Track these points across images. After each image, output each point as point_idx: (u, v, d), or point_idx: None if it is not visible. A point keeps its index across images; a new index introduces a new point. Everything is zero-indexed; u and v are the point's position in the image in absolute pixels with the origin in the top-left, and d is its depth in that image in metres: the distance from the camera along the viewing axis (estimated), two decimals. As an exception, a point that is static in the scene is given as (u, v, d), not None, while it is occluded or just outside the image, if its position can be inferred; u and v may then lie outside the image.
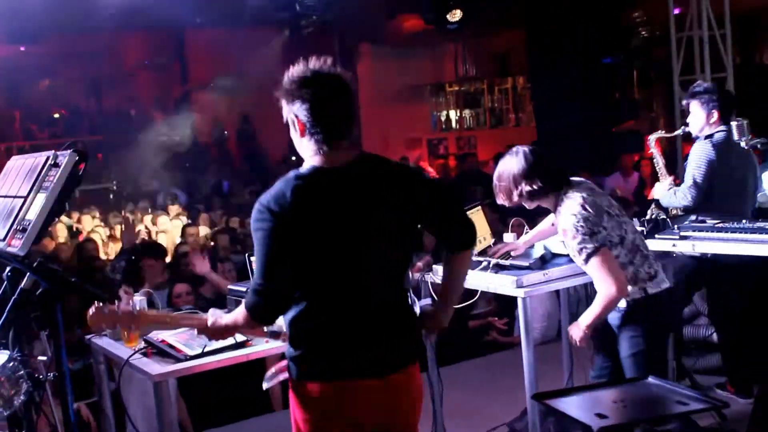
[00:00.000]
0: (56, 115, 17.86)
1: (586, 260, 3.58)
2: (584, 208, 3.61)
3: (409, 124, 17.24)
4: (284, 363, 2.88)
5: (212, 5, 11.83)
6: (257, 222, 2.65)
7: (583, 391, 3.06)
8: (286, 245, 2.63)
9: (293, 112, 2.68)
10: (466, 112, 18.18)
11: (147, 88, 18.38)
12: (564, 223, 3.66)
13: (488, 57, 17.53)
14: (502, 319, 7.17)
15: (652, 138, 5.00)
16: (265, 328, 3.23)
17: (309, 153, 2.71)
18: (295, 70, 2.67)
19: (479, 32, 15.34)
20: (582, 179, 3.90)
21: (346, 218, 2.66)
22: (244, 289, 4.04)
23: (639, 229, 4.27)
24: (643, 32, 13.60)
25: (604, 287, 3.56)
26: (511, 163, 3.79)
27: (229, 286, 4.33)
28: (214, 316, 2.92)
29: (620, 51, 12.54)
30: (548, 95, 12.05)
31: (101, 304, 2.84)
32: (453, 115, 18.33)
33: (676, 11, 10.26)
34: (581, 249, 3.59)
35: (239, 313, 2.79)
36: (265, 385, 3.04)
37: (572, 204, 3.65)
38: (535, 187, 3.74)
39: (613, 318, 3.76)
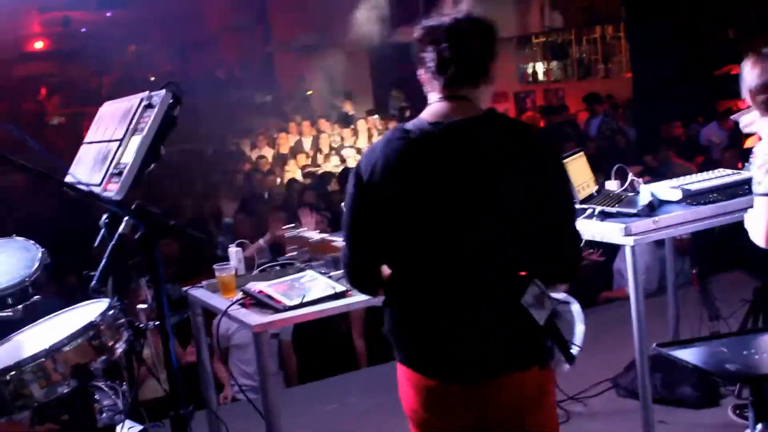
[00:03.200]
0: (152, 78, 18.07)
1: (757, 195, 3.15)
2: None
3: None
4: None
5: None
6: (348, 184, 2.44)
7: (707, 341, 2.85)
8: (371, 214, 2.39)
9: (424, 55, 2.44)
10: (554, 64, 17.76)
11: (232, 50, 18.44)
12: (761, 149, 3.20)
13: (574, 6, 17.04)
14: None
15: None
16: None
17: (432, 100, 2.46)
18: (432, 15, 2.47)
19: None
20: None
21: (446, 186, 2.32)
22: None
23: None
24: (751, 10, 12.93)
25: (755, 233, 3.18)
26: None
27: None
28: None
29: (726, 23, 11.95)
30: (644, 42, 11.62)
31: None
32: (540, 67, 17.93)
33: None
34: (759, 183, 3.14)
35: None
36: None
37: None
38: None
39: None
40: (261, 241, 6.07)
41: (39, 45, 16.91)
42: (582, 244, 2.47)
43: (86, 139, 2.84)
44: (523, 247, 2.33)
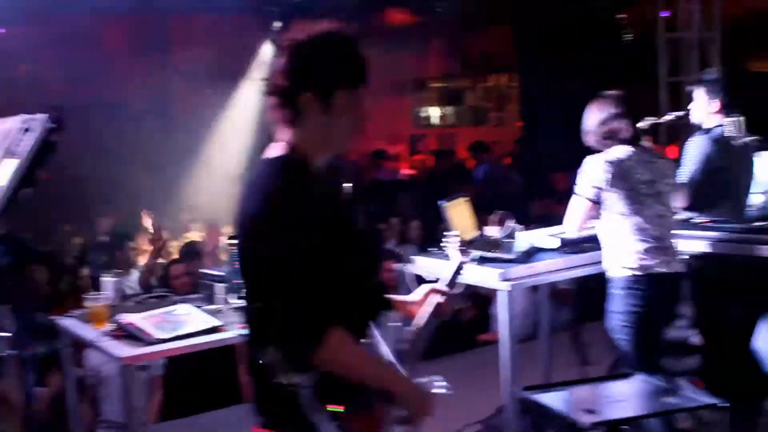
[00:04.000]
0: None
1: (575, 195, 4.08)
2: (609, 164, 3.95)
3: (390, 119, 17.13)
4: None
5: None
6: None
7: (568, 386, 2.94)
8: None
9: None
10: (448, 109, 18.10)
11: (128, 76, 18.06)
12: (586, 161, 4.03)
13: (471, 55, 17.45)
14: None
15: (644, 124, 4.81)
16: None
17: None
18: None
19: (464, 29, 15.26)
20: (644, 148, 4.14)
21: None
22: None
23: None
24: (630, 33, 13.53)
25: (570, 224, 4.15)
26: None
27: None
28: None
29: (607, 50, 12.49)
30: (535, 93, 11.99)
31: None
32: (435, 111, 18.24)
33: (665, 14, 10.26)
34: (578, 185, 4.04)
35: None
36: None
37: (608, 155, 4.00)
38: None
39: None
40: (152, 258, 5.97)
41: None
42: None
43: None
44: (261, 307, 2.16)
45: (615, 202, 3.97)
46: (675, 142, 8.45)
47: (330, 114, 2.21)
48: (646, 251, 3.94)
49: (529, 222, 5.10)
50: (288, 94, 2.19)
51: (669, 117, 5.10)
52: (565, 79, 11.30)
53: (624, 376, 2.94)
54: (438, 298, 2.61)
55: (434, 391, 2.41)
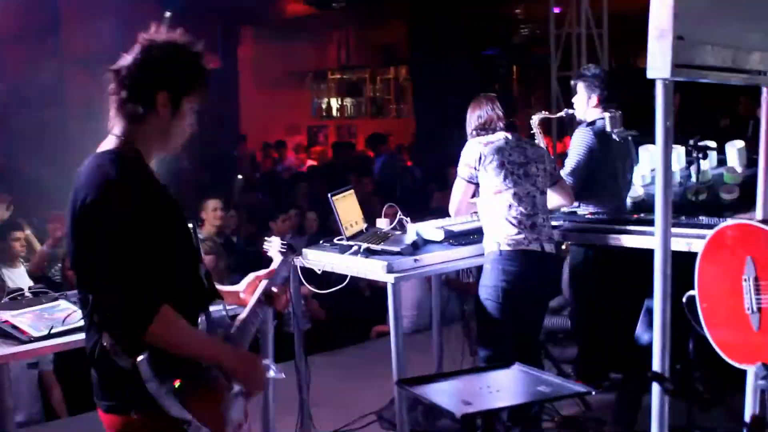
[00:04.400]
0: None
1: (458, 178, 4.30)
2: (481, 145, 4.18)
3: (289, 110, 17.05)
4: None
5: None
6: None
7: (449, 377, 2.97)
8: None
9: None
10: (348, 101, 18.13)
11: (17, 61, 17.44)
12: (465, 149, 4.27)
13: (371, 47, 17.51)
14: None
15: (535, 119, 4.98)
16: None
17: None
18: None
19: (363, 21, 15.31)
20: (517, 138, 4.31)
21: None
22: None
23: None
24: (524, 29, 13.83)
25: (451, 206, 4.39)
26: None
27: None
28: None
29: (501, 46, 12.73)
30: (428, 86, 12.11)
31: None
32: (334, 103, 18.24)
33: (556, 10, 10.50)
34: (460, 169, 4.26)
35: None
36: None
37: (482, 138, 4.23)
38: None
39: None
40: (44, 247, 5.79)
41: None
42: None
43: None
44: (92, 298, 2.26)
45: (486, 180, 4.15)
46: (566, 136, 8.67)
47: (175, 116, 2.36)
48: (515, 227, 4.09)
49: (427, 214, 5.15)
50: (144, 90, 2.32)
51: (560, 113, 5.26)
52: (457, 73, 11.45)
53: (503, 366, 2.99)
54: (265, 286, 2.75)
55: (269, 375, 2.58)
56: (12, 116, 13.46)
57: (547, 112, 5.23)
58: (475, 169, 4.18)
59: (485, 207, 4.20)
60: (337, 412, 5.01)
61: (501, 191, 4.13)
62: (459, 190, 4.30)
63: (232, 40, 15.14)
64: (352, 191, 4.53)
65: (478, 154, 4.16)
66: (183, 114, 2.38)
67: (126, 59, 2.34)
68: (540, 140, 4.90)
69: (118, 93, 2.33)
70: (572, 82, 4.98)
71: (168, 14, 9.81)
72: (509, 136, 4.23)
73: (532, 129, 4.98)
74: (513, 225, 4.09)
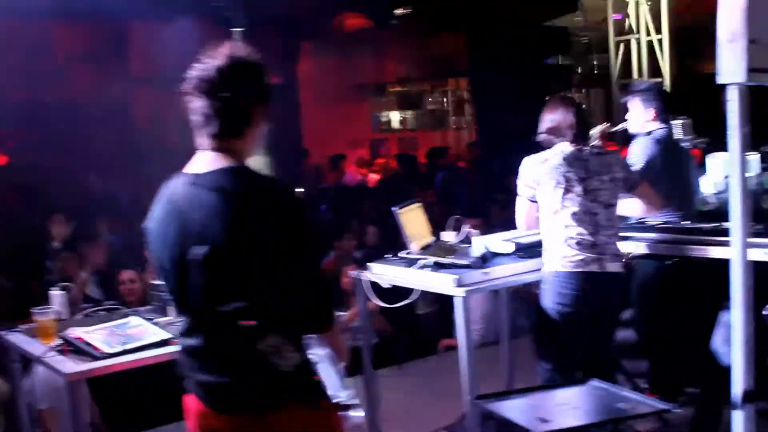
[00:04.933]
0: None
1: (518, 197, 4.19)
2: (536, 163, 4.04)
3: (350, 123, 17.09)
4: None
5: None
6: None
7: (525, 393, 2.91)
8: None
9: (191, 105, 2.47)
10: (408, 113, 18.11)
11: (83, 82, 17.79)
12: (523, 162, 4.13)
13: (429, 59, 17.47)
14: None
15: (596, 131, 4.87)
16: None
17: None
18: (198, 63, 2.44)
19: (421, 34, 15.29)
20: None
21: (180, 236, 2.38)
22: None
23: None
24: (583, 37, 13.67)
25: (518, 223, 4.26)
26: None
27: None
28: None
29: (560, 54, 12.61)
30: (490, 97, 12.04)
31: None
32: (395, 116, 18.24)
33: (617, 17, 10.38)
34: (519, 188, 4.14)
35: None
36: None
37: (538, 155, 4.08)
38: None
39: None
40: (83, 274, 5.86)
41: None
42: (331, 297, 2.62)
43: None
44: (257, 297, 2.34)
45: (544, 200, 4.03)
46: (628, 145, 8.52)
47: (263, 127, 2.48)
48: (573, 248, 3.94)
49: (490, 226, 5.09)
50: (245, 107, 2.41)
51: (619, 126, 5.11)
52: (518, 83, 11.36)
53: (578, 382, 2.92)
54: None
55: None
56: (80, 134, 13.75)
57: (609, 124, 5.09)
58: (533, 189, 4.07)
59: (544, 226, 4.08)
60: (407, 426, 4.97)
61: (558, 211, 3.99)
62: (523, 209, 4.19)
63: (293, 55, 15.24)
64: (418, 204, 4.49)
65: (535, 174, 4.05)
66: (264, 123, 2.48)
67: (210, 75, 2.37)
68: None
69: (214, 110, 2.38)
70: (624, 99, 4.89)
71: (235, 30, 9.89)
72: (569, 148, 4.05)
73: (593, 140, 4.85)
74: (570, 246, 3.95)
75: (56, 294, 3.90)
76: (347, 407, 2.55)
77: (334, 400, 2.51)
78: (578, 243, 3.94)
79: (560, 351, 4.06)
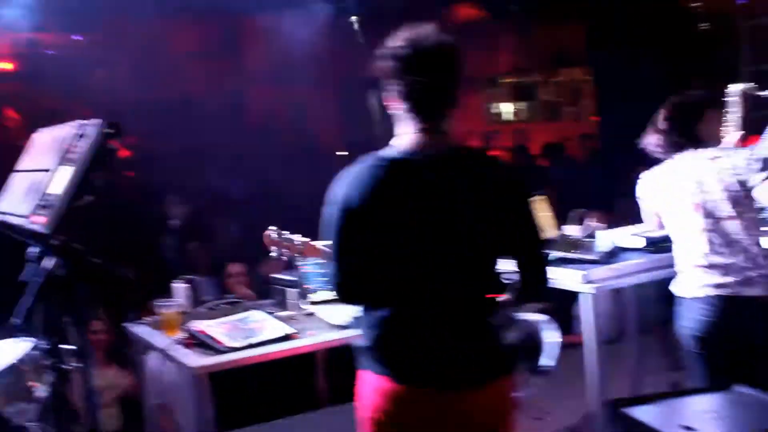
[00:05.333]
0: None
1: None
2: (662, 179, 3.63)
3: (463, 116, 16.90)
4: None
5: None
6: (332, 205, 2.44)
7: (662, 398, 2.73)
8: (356, 234, 2.40)
9: (388, 86, 2.47)
10: (521, 105, 17.83)
11: (199, 79, 18.16)
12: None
13: (543, 49, 17.14)
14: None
15: (736, 88, 4.18)
16: None
17: (402, 133, 2.49)
18: (392, 41, 2.45)
19: (534, 24, 15.01)
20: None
21: (424, 212, 2.40)
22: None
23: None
24: (705, 24, 13.12)
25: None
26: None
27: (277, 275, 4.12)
28: None
29: (683, 42, 12.14)
30: (611, 88, 11.69)
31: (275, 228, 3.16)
32: (508, 107, 17.98)
33: (741, 1, 9.97)
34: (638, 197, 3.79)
35: None
36: None
37: (656, 170, 3.69)
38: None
39: None
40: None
41: (7, 66, 16.64)
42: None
43: (17, 167, 2.67)
44: (493, 272, 2.49)
45: (667, 218, 3.63)
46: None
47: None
48: (704, 269, 3.45)
49: (611, 220, 4.87)
50: (453, 88, 2.50)
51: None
52: (640, 72, 11.00)
53: (721, 388, 2.72)
54: None
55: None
56: (194, 131, 14.03)
57: (753, 84, 4.41)
58: (654, 203, 3.68)
59: (674, 244, 3.64)
60: (530, 426, 4.83)
61: (684, 228, 3.53)
62: (649, 221, 3.81)
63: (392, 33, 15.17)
64: (542, 197, 4.33)
65: (654, 189, 3.66)
66: None
67: (422, 55, 2.40)
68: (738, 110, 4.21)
69: (429, 90, 2.44)
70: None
71: (353, 19, 9.94)
72: (698, 156, 3.54)
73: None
74: (701, 267, 3.46)
75: (179, 286, 3.92)
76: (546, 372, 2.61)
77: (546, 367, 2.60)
78: (711, 265, 3.44)
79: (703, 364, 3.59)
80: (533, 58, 17.46)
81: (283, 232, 3.41)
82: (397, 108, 2.46)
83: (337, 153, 13.94)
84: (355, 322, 2.59)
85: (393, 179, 2.39)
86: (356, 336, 2.56)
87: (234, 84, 17.12)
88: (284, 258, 3.54)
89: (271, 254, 3.34)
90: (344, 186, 2.41)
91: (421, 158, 2.41)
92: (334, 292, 2.51)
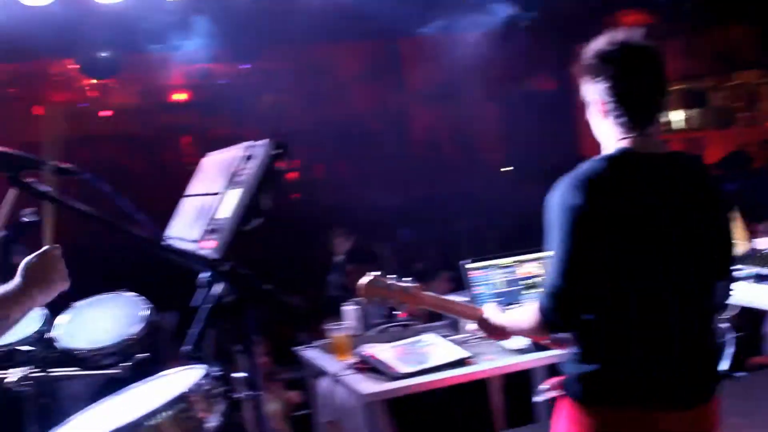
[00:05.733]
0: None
1: None
2: None
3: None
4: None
5: (427, 10, 11.60)
6: (557, 212, 2.27)
7: None
8: (590, 241, 2.24)
9: (594, 90, 2.37)
10: (692, 112, 17.05)
11: (363, 100, 18.41)
12: None
13: (713, 52, 16.36)
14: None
15: None
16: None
17: (612, 139, 2.37)
18: (597, 43, 2.36)
19: (701, 28, 14.35)
20: None
21: (661, 215, 2.27)
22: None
23: None
24: None
25: None
26: None
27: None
28: (493, 310, 2.67)
29: None
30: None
31: (377, 273, 2.80)
32: (677, 115, 17.25)
33: None
34: None
35: (525, 314, 2.43)
36: (536, 399, 2.74)
37: None
38: None
39: None
40: None
41: (181, 96, 17.46)
42: None
43: (187, 191, 2.66)
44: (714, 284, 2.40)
45: None
46: None
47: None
48: None
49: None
50: (663, 94, 2.42)
51: None
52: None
53: None
54: None
55: None
56: (362, 151, 14.22)
57: None
58: None
59: None
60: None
61: None
62: None
63: (567, 56, 14.83)
64: (735, 209, 4.00)
65: None
66: None
67: (641, 59, 2.36)
68: None
69: (646, 95, 2.38)
70: None
71: (520, 28, 9.78)
72: None
73: None
74: None
75: (350, 309, 3.85)
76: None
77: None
78: None
79: None
80: (703, 62, 16.70)
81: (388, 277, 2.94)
82: (605, 112, 2.36)
83: (502, 169, 13.76)
84: (533, 347, 2.41)
85: (623, 180, 2.28)
86: (566, 363, 2.39)
87: (398, 103, 17.31)
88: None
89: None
90: (571, 189, 2.26)
91: (646, 160, 2.31)
92: (546, 308, 2.33)
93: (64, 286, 2.23)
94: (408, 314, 3.78)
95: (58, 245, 2.24)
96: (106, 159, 13.19)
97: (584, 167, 2.30)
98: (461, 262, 3.61)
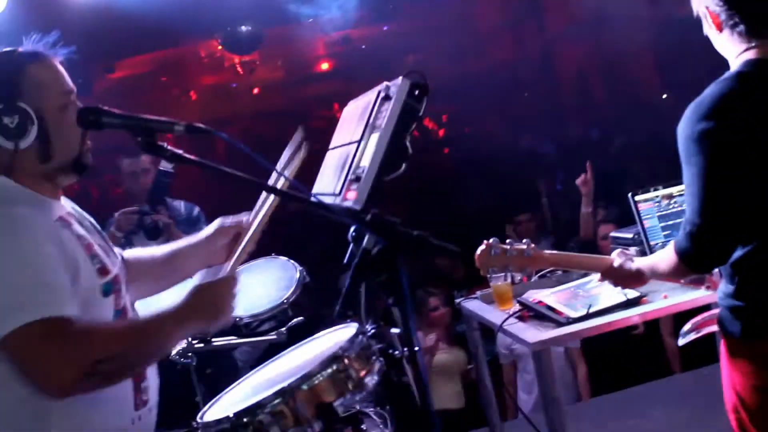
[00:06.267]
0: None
1: None
2: None
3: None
4: (708, 315, 2.34)
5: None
6: (687, 143, 2.08)
7: None
8: (728, 170, 2.02)
9: (703, 3, 2.17)
10: None
11: (505, 49, 17.99)
12: None
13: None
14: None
15: None
16: None
17: (733, 53, 2.14)
18: None
19: None
20: None
21: None
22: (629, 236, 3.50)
23: None
24: None
25: None
26: None
27: (612, 233, 3.74)
28: (623, 258, 2.49)
29: None
30: None
31: (491, 241, 2.66)
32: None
33: None
34: None
35: (664, 257, 2.26)
36: (681, 341, 2.48)
37: None
38: None
39: None
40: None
41: (324, 66, 17.57)
42: None
43: (330, 145, 2.55)
44: None
45: None
46: None
47: None
48: None
49: None
50: None
51: None
52: None
53: None
54: None
55: None
56: (505, 99, 13.88)
57: None
58: None
59: None
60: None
61: None
62: None
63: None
64: None
65: None
66: None
67: None
68: None
69: None
70: None
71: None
72: None
73: None
74: None
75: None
76: None
77: None
78: None
79: None
80: None
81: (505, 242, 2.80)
82: (718, 24, 2.16)
83: (663, 96, 13.10)
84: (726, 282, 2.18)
85: (755, 95, 2.05)
86: (720, 300, 2.20)
87: (541, 47, 16.78)
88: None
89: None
90: (698, 115, 2.06)
91: None
92: (685, 249, 2.15)
93: (225, 321, 2.08)
94: (527, 279, 3.57)
95: (236, 272, 2.12)
96: (254, 136, 13.46)
97: (710, 89, 2.09)
98: (630, 194, 3.37)
